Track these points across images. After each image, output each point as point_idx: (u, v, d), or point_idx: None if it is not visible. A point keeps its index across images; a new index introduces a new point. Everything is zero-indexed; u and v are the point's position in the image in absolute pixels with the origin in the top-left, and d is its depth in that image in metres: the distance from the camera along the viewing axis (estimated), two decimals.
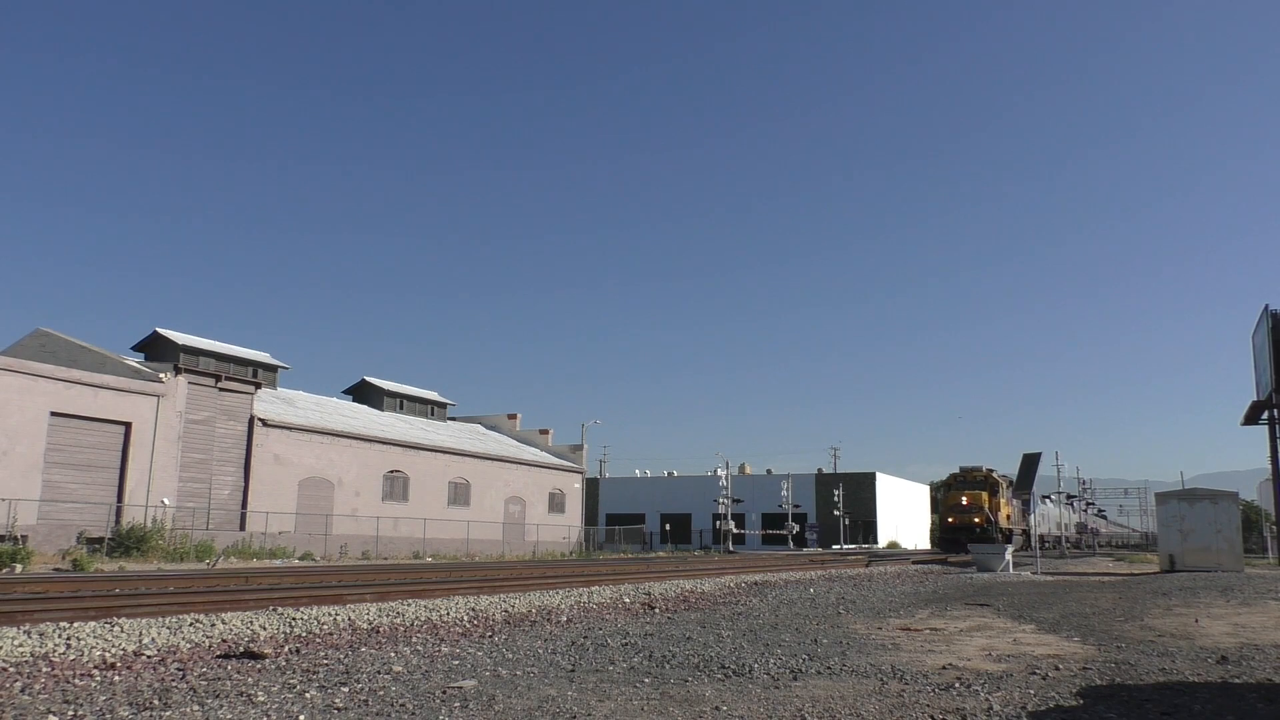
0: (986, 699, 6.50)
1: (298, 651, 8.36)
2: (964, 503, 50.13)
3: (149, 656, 7.89)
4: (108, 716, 5.61)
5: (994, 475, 52.50)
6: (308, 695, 6.29)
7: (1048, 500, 61.17)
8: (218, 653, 8.21)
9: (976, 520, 48.75)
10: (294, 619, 10.44)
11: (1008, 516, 52.87)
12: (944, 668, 7.96)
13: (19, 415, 33.21)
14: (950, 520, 50.79)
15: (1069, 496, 70.28)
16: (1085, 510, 74.66)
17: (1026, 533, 57.85)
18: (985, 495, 50.00)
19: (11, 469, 32.71)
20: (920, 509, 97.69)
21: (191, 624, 9.77)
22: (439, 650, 8.65)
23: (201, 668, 7.38)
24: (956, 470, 53.34)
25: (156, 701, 6.02)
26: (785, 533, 71.85)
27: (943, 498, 52.65)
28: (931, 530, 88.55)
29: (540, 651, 8.67)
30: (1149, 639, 10.27)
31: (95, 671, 7.11)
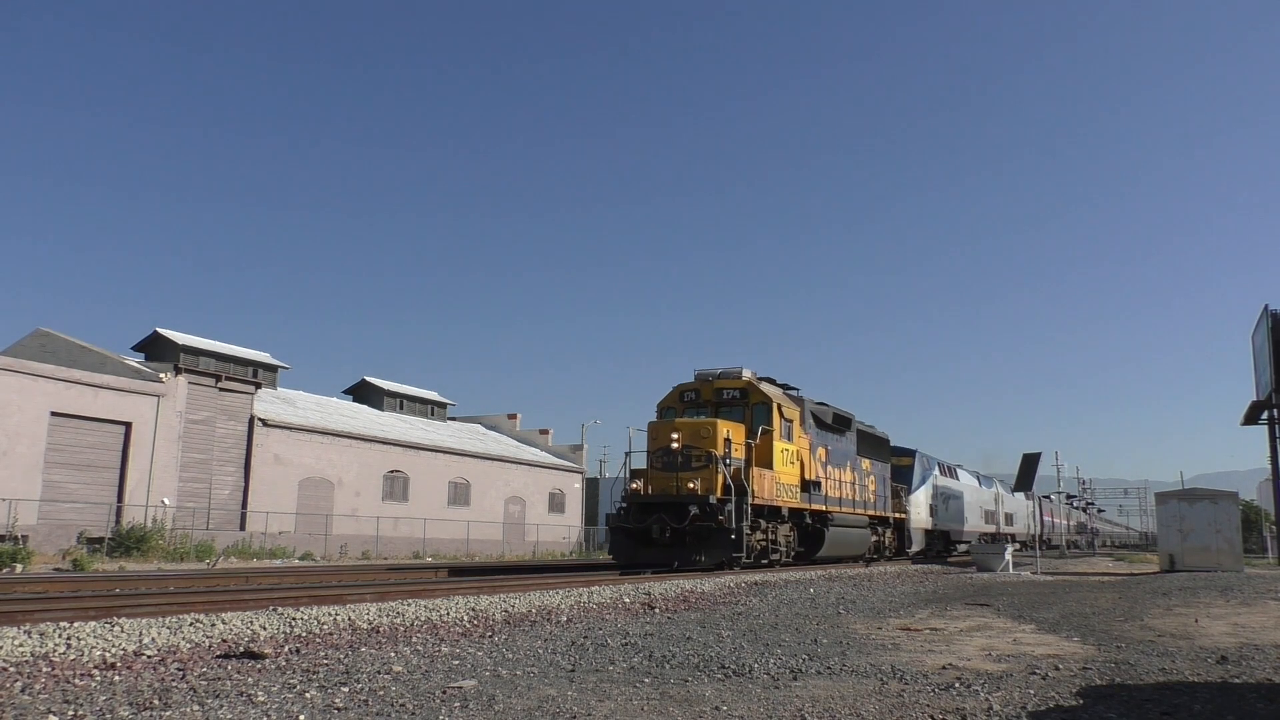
0: (986, 699, 6.49)
1: (298, 651, 8.34)
2: (673, 444, 22.63)
3: (149, 656, 7.87)
4: (108, 716, 5.60)
5: (765, 388, 25.45)
6: (308, 695, 6.28)
7: (959, 470, 49.44)
8: (218, 653, 8.19)
9: (694, 486, 22.01)
10: (294, 619, 10.42)
11: (802, 483, 26.21)
12: (944, 668, 7.95)
13: (19, 415, 33.21)
14: (634, 486, 23.31)
15: (1069, 496, 70.33)
16: (1085, 510, 74.65)
17: (895, 524, 35.62)
18: (732, 431, 23.28)
19: (12, 469, 32.71)
20: None
21: (191, 624, 9.74)
22: (439, 650, 8.63)
23: (201, 668, 7.37)
24: (690, 379, 25.87)
25: (156, 701, 6.01)
26: None
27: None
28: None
29: (540, 651, 8.66)
30: (1149, 639, 10.26)
31: (95, 671, 7.09)
